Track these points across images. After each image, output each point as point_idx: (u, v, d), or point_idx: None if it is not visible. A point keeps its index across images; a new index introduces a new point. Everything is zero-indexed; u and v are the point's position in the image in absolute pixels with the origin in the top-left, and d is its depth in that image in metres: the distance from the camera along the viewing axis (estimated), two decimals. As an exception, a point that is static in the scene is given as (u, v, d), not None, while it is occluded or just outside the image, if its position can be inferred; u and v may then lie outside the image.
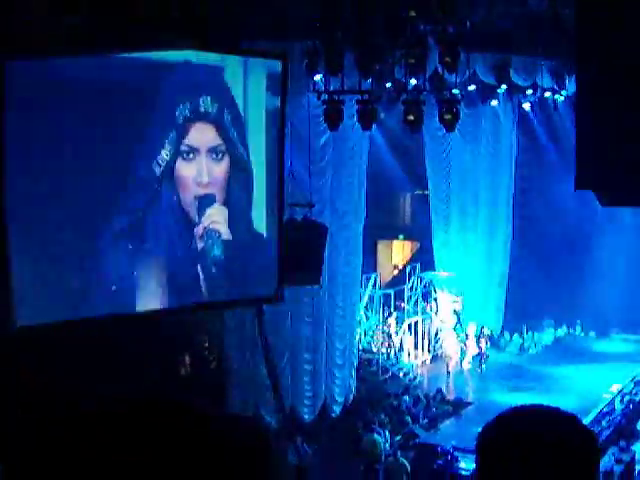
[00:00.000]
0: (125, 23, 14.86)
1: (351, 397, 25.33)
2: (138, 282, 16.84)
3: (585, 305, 32.37)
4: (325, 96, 19.37)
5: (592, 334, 34.21)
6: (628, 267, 32.07)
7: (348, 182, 24.16)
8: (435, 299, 31.55)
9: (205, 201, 17.42)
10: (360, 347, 27.90)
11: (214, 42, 17.16)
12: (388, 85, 22.13)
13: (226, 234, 17.75)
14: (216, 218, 17.48)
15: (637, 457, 21.61)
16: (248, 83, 17.74)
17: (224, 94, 17.49)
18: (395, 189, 35.39)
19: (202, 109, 17.13)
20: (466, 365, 29.35)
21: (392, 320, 29.39)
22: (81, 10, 13.83)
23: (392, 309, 29.94)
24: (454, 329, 30.31)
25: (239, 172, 17.90)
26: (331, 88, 19.57)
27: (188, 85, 17.04)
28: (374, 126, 21.89)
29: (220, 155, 17.49)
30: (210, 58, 17.10)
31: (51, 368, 16.89)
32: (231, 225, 17.82)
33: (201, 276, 17.67)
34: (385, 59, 19.60)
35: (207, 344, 24.41)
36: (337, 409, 24.58)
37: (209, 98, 17.21)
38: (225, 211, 17.66)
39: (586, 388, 26.36)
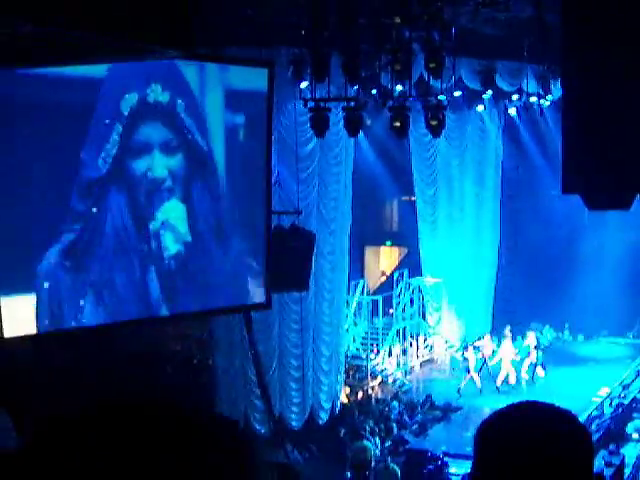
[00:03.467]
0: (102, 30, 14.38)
1: (338, 403, 25.32)
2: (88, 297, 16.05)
3: (573, 309, 32.40)
4: (311, 103, 19.38)
5: (580, 338, 34.25)
6: (616, 271, 32.10)
7: (334, 189, 24.17)
8: (424, 304, 31.58)
9: (160, 196, 16.54)
10: (349, 354, 27.90)
11: (197, 49, 17.01)
12: (374, 92, 22.16)
13: (185, 233, 17.09)
14: (173, 214, 16.78)
15: (627, 460, 21.65)
16: (205, 99, 17.18)
17: (177, 81, 16.49)
18: (382, 195, 35.44)
19: (151, 99, 16.11)
20: (524, 376, 28.20)
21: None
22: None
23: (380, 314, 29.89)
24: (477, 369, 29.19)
25: (199, 165, 17.13)
26: (317, 95, 19.58)
27: (135, 74, 15.93)
28: (360, 133, 21.92)
29: (174, 148, 16.64)
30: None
31: (37, 377, 16.85)
32: (192, 225, 17.18)
33: (155, 282, 16.93)
34: (371, 66, 19.65)
35: (195, 352, 24.40)
36: (324, 416, 24.56)
37: (159, 86, 16.17)
38: (183, 207, 16.94)
39: (575, 392, 26.35)
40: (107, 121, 15.74)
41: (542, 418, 2.11)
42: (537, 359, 28.64)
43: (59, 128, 15.19)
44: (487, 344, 28.76)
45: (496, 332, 32.40)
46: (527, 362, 28.33)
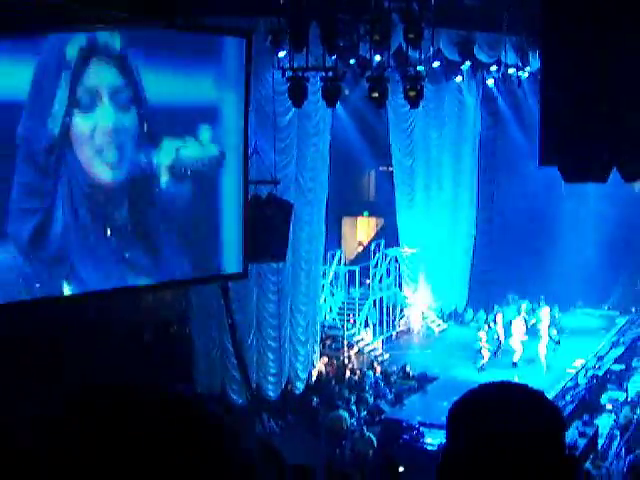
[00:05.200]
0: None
1: (315, 373, 25.40)
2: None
3: (549, 280, 32.51)
4: (289, 73, 19.30)
5: (555, 309, 34.36)
6: (592, 242, 32.28)
7: (312, 159, 24.11)
8: (400, 275, 31.69)
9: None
10: (325, 324, 27.98)
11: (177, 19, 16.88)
12: (352, 62, 22.11)
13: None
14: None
15: (600, 431, 21.84)
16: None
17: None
18: (360, 165, 35.42)
19: (101, 42, 14.69)
20: (542, 350, 27.28)
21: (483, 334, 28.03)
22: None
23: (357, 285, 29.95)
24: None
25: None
26: (295, 65, 19.50)
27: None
28: (338, 103, 21.86)
29: (126, 102, 15.65)
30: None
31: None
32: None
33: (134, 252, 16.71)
34: (349, 35, 19.57)
35: (172, 323, 24.42)
36: (300, 385, 24.62)
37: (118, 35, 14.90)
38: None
39: (550, 363, 26.55)
40: (51, 73, 14.29)
41: (513, 398, 2.13)
42: (555, 335, 28.57)
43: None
44: (500, 322, 28.66)
45: (473, 302, 32.64)
46: (544, 340, 27.82)
